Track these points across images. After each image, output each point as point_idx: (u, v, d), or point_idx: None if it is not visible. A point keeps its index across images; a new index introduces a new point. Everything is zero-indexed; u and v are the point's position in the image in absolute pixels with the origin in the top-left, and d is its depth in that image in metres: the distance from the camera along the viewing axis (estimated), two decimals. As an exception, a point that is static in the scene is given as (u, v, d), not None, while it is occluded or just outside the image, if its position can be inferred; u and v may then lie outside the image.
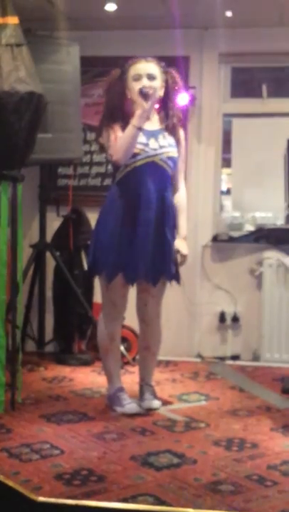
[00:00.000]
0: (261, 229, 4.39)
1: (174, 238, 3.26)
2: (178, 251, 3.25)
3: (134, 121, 3.07)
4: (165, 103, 3.24)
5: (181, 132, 3.30)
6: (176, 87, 3.25)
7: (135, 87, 3.13)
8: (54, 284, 4.36)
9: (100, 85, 4.32)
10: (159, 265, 3.21)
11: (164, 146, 3.19)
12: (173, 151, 3.22)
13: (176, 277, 3.33)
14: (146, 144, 3.15)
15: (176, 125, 3.25)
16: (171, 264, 3.25)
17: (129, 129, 3.08)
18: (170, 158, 3.20)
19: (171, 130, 3.23)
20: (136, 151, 3.12)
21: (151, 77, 3.16)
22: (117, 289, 3.22)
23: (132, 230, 3.15)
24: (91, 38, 4.25)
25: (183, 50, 4.25)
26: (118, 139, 3.11)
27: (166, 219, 3.21)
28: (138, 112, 3.08)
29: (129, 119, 3.14)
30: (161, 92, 3.20)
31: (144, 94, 3.08)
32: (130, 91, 3.17)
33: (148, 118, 3.18)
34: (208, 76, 4.40)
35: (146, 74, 3.16)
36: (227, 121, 4.54)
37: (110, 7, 3.94)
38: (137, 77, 3.15)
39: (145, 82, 3.13)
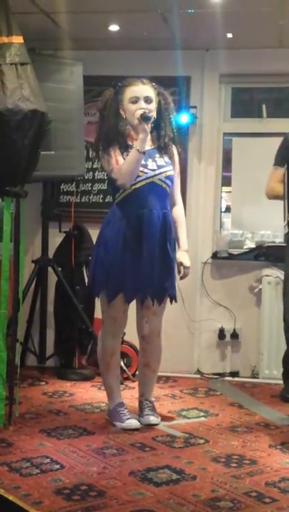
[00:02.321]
0: (260, 246, 4.44)
1: (175, 255, 3.31)
2: (181, 263, 3.30)
3: (137, 146, 3.12)
4: (158, 123, 3.28)
5: (174, 149, 3.34)
6: (168, 108, 3.29)
7: (132, 109, 3.18)
8: (55, 300, 4.39)
9: (96, 105, 4.41)
10: (164, 283, 3.26)
11: (162, 165, 3.25)
12: (170, 170, 3.27)
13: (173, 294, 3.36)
14: (145, 165, 3.21)
15: (168, 144, 3.29)
16: (174, 282, 3.30)
17: (134, 153, 3.13)
18: (168, 177, 3.26)
19: (164, 149, 3.28)
20: None
21: (148, 100, 3.20)
22: (118, 305, 3.25)
23: (136, 250, 3.19)
24: (94, 58, 4.32)
25: (184, 71, 4.32)
26: (122, 164, 3.15)
27: (168, 237, 3.26)
28: (141, 137, 3.12)
29: (124, 139, 3.19)
30: (154, 113, 3.25)
31: (146, 119, 3.12)
32: (126, 112, 3.21)
33: None
34: (208, 96, 4.46)
35: (144, 97, 3.20)
36: (227, 141, 4.60)
37: (113, 28, 4.01)
38: (135, 100, 3.19)
39: (143, 104, 3.18)
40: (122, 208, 3.24)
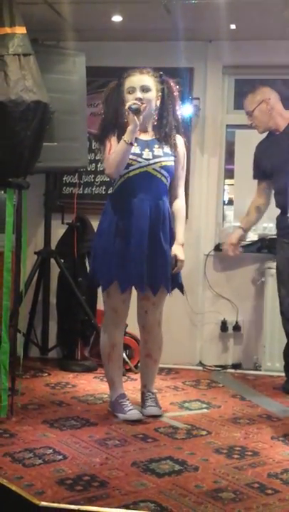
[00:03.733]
0: (263, 239, 4.43)
1: (170, 246, 3.28)
2: (175, 256, 3.29)
3: (125, 137, 3.11)
4: (161, 113, 3.27)
5: (179, 140, 3.31)
6: (173, 97, 3.27)
7: (128, 99, 3.17)
8: (58, 291, 4.40)
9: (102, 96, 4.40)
10: (157, 273, 3.25)
11: (159, 155, 3.23)
12: (168, 161, 3.25)
13: (179, 286, 3.36)
14: (140, 155, 3.20)
15: (169, 134, 3.27)
16: (169, 272, 3.28)
17: (121, 144, 3.12)
18: (164, 167, 3.23)
19: (165, 139, 3.27)
20: (129, 161, 3.17)
21: (145, 89, 3.19)
22: (117, 295, 3.25)
23: (126, 239, 3.19)
24: (97, 49, 4.31)
25: (187, 62, 4.31)
26: (111, 153, 3.16)
27: (161, 227, 3.24)
28: (130, 128, 3.11)
29: (124, 130, 3.16)
30: (157, 102, 3.24)
31: (134, 110, 3.10)
32: (126, 103, 3.20)
33: (144, 130, 3.23)
34: (211, 87, 4.45)
35: (140, 86, 3.18)
36: (230, 133, 4.59)
37: (116, 18, 4.00)
38: (131, 90, 3.19)
39: (139, 94, 3.16)
40: (116, 198, 3.24)
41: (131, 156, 3.16)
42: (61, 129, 3.91)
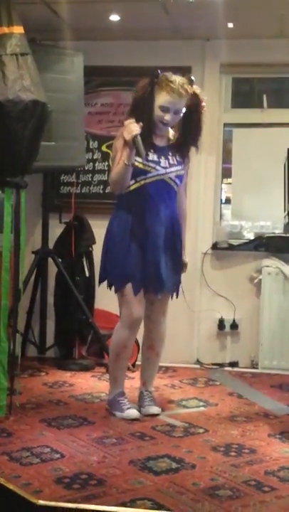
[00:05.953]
0: (260, 237, 4.44)
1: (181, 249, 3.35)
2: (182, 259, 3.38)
3: (125, 160, 3.11)
4: (185, 124, 3.26)
5: (191, 152, 3.35)
6: (199, 110, 3.26)
7: (159, 114, 3.18)
8: (56, 290, 4.40)
9: (103, 94, 4.40)
10: (173, 279, 3.31)
11: (174, 164, 3.27)
12: (180, 170, 3.29)
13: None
14: (158, 162, 3.22)
15: (187, 147, 3.30)
16: (180, 274, 3.38)
17: (121, 166, 3.13)
18: (178, 176, 3.29)
19: (180, 149, 3.28)
20: (148, 168, 3.19)
21: (176, 112, 3.21)
22: (131, 296, 3.24)
23: (142, 245, 3.22)
24: (95, 48, 4.31)
25: (185, 61, 4.31)
26: (112, 172, 3.18)
27: (175, 232, 3.30)
28: (128, 152, 3.09)
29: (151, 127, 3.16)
30: (182, 110, 3.22)
31: (136, 142, 3.06)
32: (154, 111, 3.18)
33: (161, 135, 3.26)
34: (209, 86, 4.44)
35: (174, 109, 3.20)
36: (228, 131, 4.59)
37: (114, 18, 4.00)
38: (165, 109, 3.19)
39: (169, 116, 3.18)
40: (130, 202, 3.24)
41: (150, 164, 3.19)
42: (59, 129, 3.91)
